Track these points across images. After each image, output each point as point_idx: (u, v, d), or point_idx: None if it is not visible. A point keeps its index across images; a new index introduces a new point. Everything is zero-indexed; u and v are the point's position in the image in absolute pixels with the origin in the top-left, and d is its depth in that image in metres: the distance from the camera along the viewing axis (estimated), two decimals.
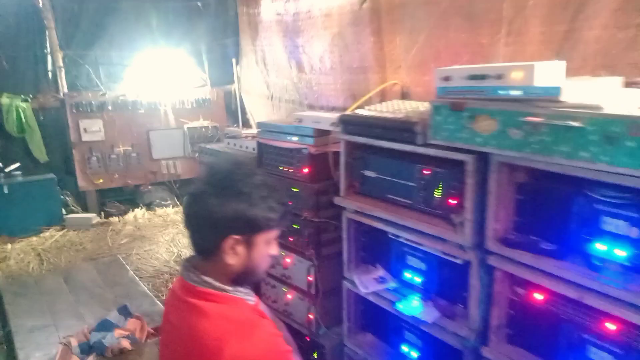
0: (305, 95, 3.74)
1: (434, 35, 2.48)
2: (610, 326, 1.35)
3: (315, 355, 2.50)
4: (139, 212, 5.07)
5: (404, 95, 2.66)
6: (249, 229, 1.26)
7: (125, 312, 2.79)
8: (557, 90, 1.30)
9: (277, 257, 1.38)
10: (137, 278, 3.44)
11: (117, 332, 2.47)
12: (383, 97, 2.74)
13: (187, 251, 3.74)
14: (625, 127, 1.15)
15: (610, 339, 1.37)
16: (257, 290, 2.77)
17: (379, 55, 2.90)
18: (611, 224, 1.33)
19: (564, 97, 1.30)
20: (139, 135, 5.17)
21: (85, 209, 5.03)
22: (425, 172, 1.84)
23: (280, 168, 2.49)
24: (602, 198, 1.33)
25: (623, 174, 1.19)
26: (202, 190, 1.27)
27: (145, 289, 3.25)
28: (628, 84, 1.48)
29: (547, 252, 1.44)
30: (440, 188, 1.79)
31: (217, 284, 1.27)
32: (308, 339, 2.51)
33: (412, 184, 1.90)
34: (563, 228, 1.44)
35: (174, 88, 5.28)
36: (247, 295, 1.32)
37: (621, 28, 1.72)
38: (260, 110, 4.72)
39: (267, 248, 1.32)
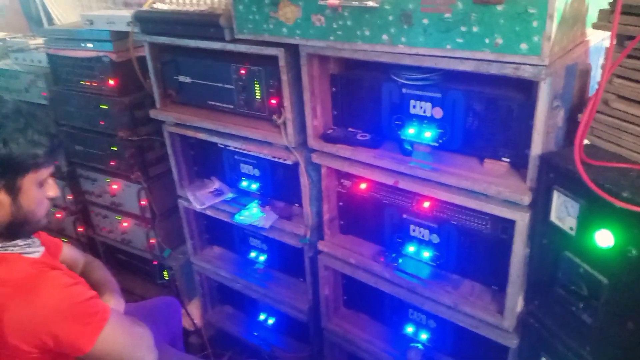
0: None
1: None
2: (425, 204, 1.42)
3: (166, 275, 2.39)
4: None
5: None
6: (8, 172, 1.01)
7: None
8: None
9: (55, 198, 1.13)
10: None
11: None
12: None
13: None
14: (419, 2, 1.07)
15: (426, 216, 1.44)
16: (87, 222, 2.49)
17: None
18: (417, 107, 1.32)
19: None
20: None
21: None
22: (241, 72, 1.66)
23: (82, 83, 2.10)
24: (407, 82, 1.30)
25: (422, 55, 1.14)
26: None
27: None
28: None
29: (364, 143, 1.42)
30: (259, 88, 1.64)
31: None
32: (155, 263, 2.37)
33: (231, 87, 1.72)
34: (376, 117, 1.42)
35: None
36: (25, 248, 1.10)
37: None
38: (69, 13, 3.93)
39: (41, 191, 1.08)
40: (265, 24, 1.39)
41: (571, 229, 1.02)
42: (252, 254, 2.06)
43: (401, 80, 1.30)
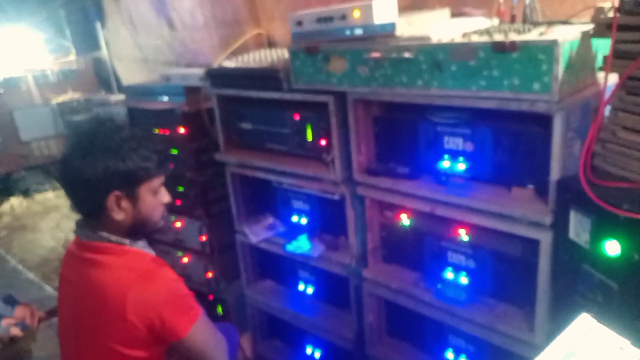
0: (182, 55, 3.59)
1: None
2: (460, 231, 1.56)
3: (219, 310, 2.57)
4: (15, 202, 4.66)
5: (271, 45, 2.68)
6: (128, 182, 1.26)
7: (11, 300, 2.61)
8: (392, 26, 1.41)
9: (169, 203, 1.39)
10: (21, 267, 3.22)
11: (5, 322, 2.32)
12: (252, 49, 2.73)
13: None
14: (448, 53, 1.29)
15: (462, 242, 1.58)
16: None
17: (251, 7, 2.87)
18: (450, 142, 1.51)
19: (399, 31, 1.41)
20: (1, 117, 4.66)
21: None
22: (295, 117, 1.91)
23: (156, 131, 2.43)
24: (440, 120, 1.50)
25: (452, 96, 1.34)
26: (69, 154, 1.27)
27: (31, 276, 3.06)
28: (454, 15, 1.64)
29: (403, 175, 1.60)
30: (310, 131, 1.88)
31: (114, 237, 1.29)
32: (211, 297, 2.57)
33: (286, 131, 1.97)
34: (414, 152, 1.61)
35: (33, 60, 4.78)
36: (146, 249, 1.35)
37: None
38: (135, 76, 4.45)
39: (155, 197, 1.33)
40: (318, 75, 1.64)
41: (586, 242, 1.15)
42: (301, 286, 2.22)
43: (435, 119, 1.50)
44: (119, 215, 1.27)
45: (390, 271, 1.80)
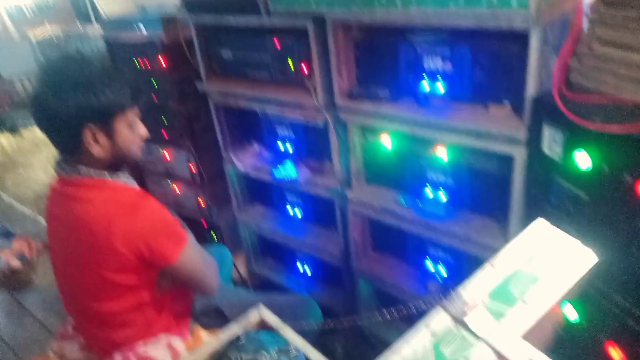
0: None
1: None
2: (440, 150, 1.62)
3: (213, 235, 2.68)
4: (4, 139, 4.63)
5: None
6: (101, 116, 1.26)
7: (7, 233, 2.70)
8: None
9: (146, 136, 1.39)
10: (16, 202, 3.28)
11: (3, 254, 2.41)
12: None
13: None
14: None
15: (440, 161, 1.64)
16: (143, 186, 2.79)
17: None
18: (429, 63, 1.52)
19: None
20: None
21: None
22: (275, 44, 1.89)
23: (136, 63, 2.38)
24: (420, 41, 1.49)
25: (430, 14, 1.33)
26: (40, 92, 1.24)
27: (26, 211, 3.12)
28: None
29: (384, 98, 1.62)
30: (292, 58, 1.87)
31: (94, 171, 1.31)
32: (205, 224, 2.66)
33: (267, 59, 1.95)
34: (395, 75, 1.62)
35: None
36: (128, 181, 1.37)
37: None
38: (114, 6, 4.25)
39: (132, 130, 1.34)
40: None
41: (558, 156, 1.20)
42: (290, 209, 2.31)
43: (415, 40, 1.50)
44: (96, 150, 1.28)
45: (373, 191, 1.87)
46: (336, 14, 1.54)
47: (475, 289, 0.64)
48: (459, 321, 0.60)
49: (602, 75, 1.19)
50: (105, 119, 1.27)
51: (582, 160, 1.13)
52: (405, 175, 1.77)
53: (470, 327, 0.59)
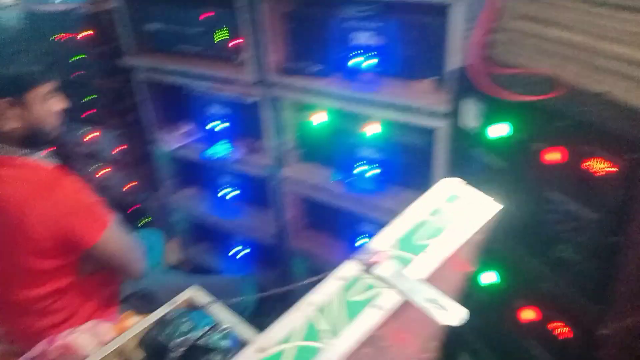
0: None
1: None
2: (370, 126, 1.64)
3: (147, 220, 2.58)
4: None
5: None
6: (12, 89, 1.18)
7: None
8: None
9: (61, 110, 1.30)
10: None
11: None
12: None
13: None
14: None
15: (370, 136, 1.66)
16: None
17: None
18: (359, 37, 1.53)
19: None
20: None
21: None
22: (204, 16, 1.83)
23: (57, 36, 2.23)
24: (350, 15, 1.50)
25: None
26: None
27: None
28: None
29: (316, 73, 1.62)
30: (222, 31, 1.82)
31: (4, 149, 1.22)
32: (136, 206, 2.56)
33: (195, 31, 1.89)
34: (326, 49, 1.62)
35: None
36: (44, 159, 1.28)
37: None
38: None
39: (46, 105, 1.25)
40: None
41: (478, 127, 1.26)
42: (223, 190, 2.26)
43: (345, 14, 1.50)
44: (7, 125, 1.19)
45: (307, 169, 1.88)
46: None
47: (382, 240, 0.65)
48: (367, 269, 0.61)
49: (518, 49, 1.24)
50: (17, 92, 1.18)
51: (501, 130, 1.19)
52: (337, 152, 1.79)
53: (378, 273, 0.60)
